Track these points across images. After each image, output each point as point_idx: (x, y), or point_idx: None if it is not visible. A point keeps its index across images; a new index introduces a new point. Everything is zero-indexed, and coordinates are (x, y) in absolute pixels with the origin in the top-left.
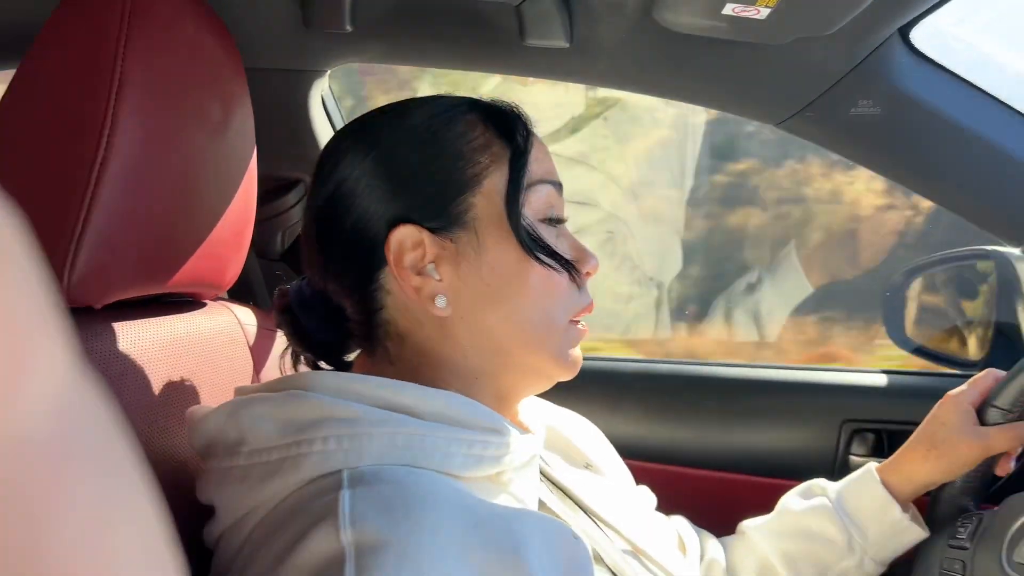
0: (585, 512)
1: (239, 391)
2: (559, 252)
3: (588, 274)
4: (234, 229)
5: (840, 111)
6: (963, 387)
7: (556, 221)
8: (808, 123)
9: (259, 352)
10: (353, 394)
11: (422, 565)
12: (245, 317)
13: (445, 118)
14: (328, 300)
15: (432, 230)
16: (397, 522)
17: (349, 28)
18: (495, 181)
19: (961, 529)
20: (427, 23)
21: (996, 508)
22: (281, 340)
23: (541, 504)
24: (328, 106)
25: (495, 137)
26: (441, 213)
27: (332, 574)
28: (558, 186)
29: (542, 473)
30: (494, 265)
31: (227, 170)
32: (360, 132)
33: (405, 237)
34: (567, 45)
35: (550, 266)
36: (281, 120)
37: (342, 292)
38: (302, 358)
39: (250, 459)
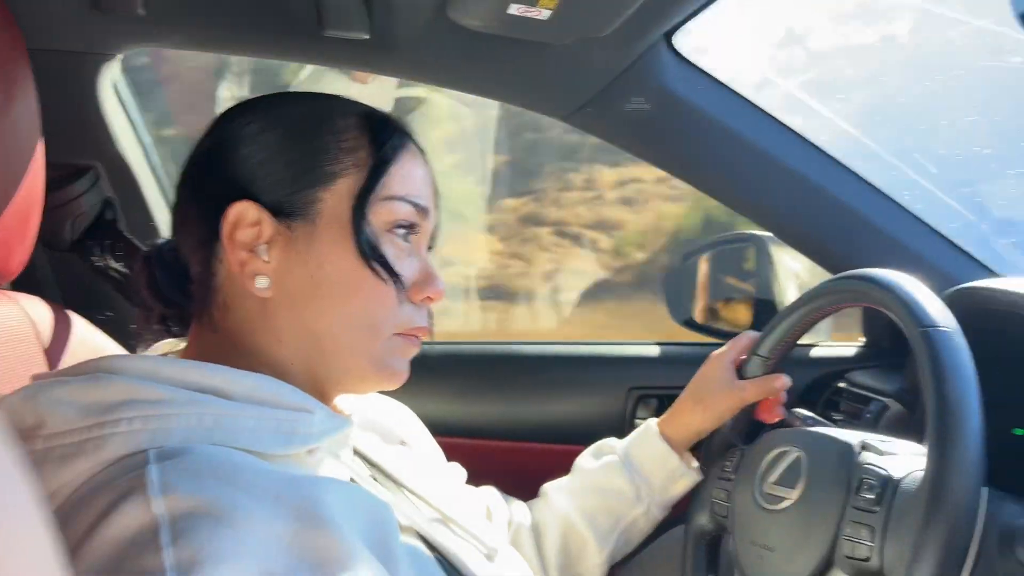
0: (397, 484)
1: (36, 378)
2: (393, 266)
3: (429, 299)
4: (19, 216)
5: (616, 107)
6: (725, 347)
7: (407, 239)
8: (590, 118)
9: (53, 347)
10: (160, 376)
11: (238, 523)
12: (34, 309)
13: (327, 114)
14: (180, 257)
15: (274, 213)
16: (210, 487)
17: (141, 11)
18: (351, 183)
19: (728, 464)
20: (224, 10)
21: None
22: (77, 334)
23: (353, 481)
24: (121, 92)
25: (367, 144)
26: (287, 199)
27: (145, 544)
28: (422, 209)
29: (356, 452)
30: (323, 262)
31: (9, 155)
32: (256, 102)
33: (244, 213)
34: (366, 37)
35: (380, 276)
36: (70, 105)
37: (187, 250)
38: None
39: (48, 443)
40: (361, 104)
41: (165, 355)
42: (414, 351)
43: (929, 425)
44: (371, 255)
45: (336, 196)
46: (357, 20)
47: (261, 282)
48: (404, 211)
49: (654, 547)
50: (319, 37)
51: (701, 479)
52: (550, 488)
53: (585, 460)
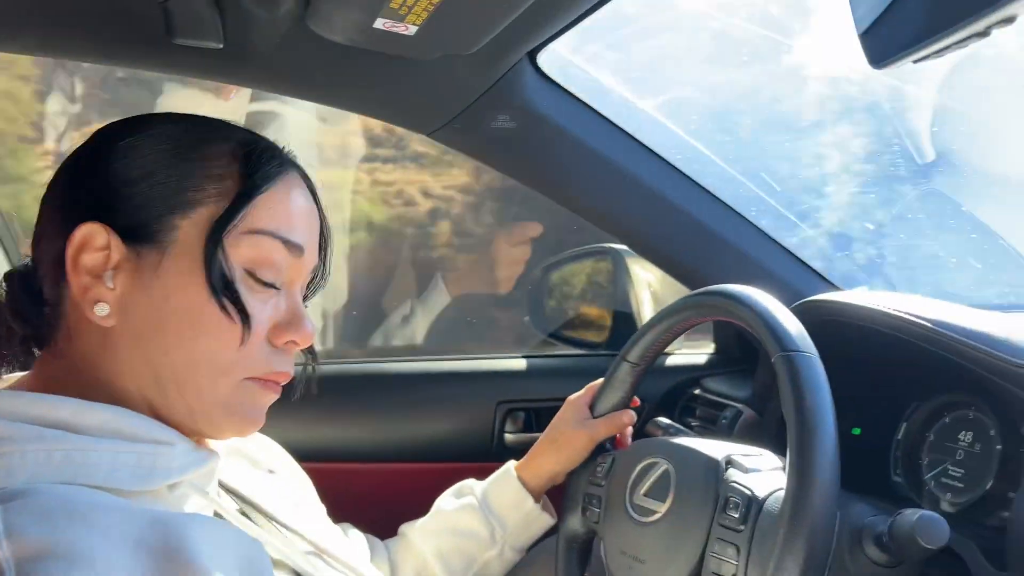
0: (267, 518)
1: None
2: (246, 304)
3: (293, 343)
4: None
5: (483, 124)
6: (580, 392)
7: (269, 283)
8: (456, 134)
9: None
10: (1, 412)
11: (95, 565)
12: None
13: (196, 139)
14: (38, 276)
15: (125, 237)
16: (62, 528)
17: None
18: (211, 212)
19: (599, 468)
20: (62, 12)
21: (627, 450)
22: None
23: (218, 516)
24: None
25: (236, 172)
26: (142, 224)
27: None
28: (294, 246)
29: (222, 486)
30: (169, 294)
31: None
32: (138, 120)
33: (92, 235)
34: (220, 46)
35: (228, 314)
36: None
37: (43, 269)
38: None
39: None
40: (245, 131)
41: (10, 388)
42: (271, 398)
43: (789, 448)
44: (221, 291)
45: (194, 225)
46: (210, 28)
47: (101, 309)
48: (274, 249)
49: (535, 551)
50: (169, 45)
51: (555, 521)
52: (409, 528)
53: (445, 501)
